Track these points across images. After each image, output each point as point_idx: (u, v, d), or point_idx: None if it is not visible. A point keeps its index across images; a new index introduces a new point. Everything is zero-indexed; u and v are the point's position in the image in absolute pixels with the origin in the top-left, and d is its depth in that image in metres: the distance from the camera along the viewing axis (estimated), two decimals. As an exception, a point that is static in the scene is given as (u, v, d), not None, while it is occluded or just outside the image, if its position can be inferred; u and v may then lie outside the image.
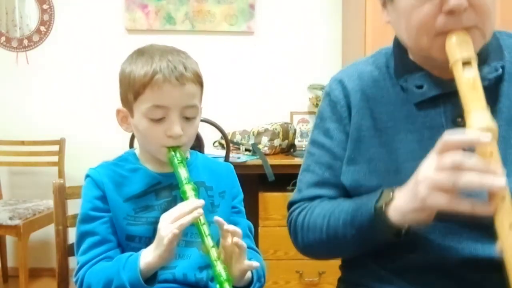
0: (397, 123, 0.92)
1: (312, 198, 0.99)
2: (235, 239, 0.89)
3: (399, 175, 0.87)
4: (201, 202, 0.88)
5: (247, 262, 0.91)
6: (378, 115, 0.94)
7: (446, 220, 0.84)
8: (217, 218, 0.91)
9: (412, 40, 0.87)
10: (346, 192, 0.96)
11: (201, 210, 0.87)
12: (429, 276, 0.87)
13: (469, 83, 0.78)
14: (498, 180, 0.70)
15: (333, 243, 0.93)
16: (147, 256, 0.89)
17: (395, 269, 0.91)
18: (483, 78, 0.81)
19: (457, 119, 0.87)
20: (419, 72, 0.91)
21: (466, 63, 0.79)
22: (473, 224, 0.84)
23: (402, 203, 0.80)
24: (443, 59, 0.82)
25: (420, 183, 0.75)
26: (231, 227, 0.90)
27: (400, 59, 0.95)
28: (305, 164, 1.03)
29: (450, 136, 0.73)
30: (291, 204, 1.03)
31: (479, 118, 0.74)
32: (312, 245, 0.97)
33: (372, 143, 0.93)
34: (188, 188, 0.91)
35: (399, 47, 0.96)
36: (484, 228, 0.78)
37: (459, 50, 0.80)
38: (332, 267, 1.16)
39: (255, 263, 0.92)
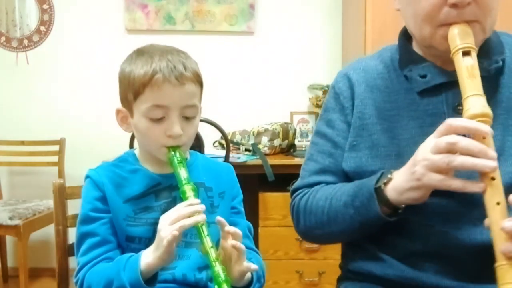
0: (400, 110, 0.97)
1: (313, 184, 1.03)
2: (234, 242, 0.89)
3: (401, 158, 0.91)
4: (202, 207, 0.88)
5: (246, 264, 0.91)
6: (381, 105, 0.99)
7: (443, 208, 0.89)
8: (219, 218, 0.92)
9: (417, 27, 0.92)
10: (347, 179, 1.00)
11: (204, 216, 0.87)
12: (430, 261, 0.91)
13: (468, 71, 0.83)
14: (489, 162, 0.75)
15: (333, 225, 0.97)
16: (147, 257, 0.89)
17: (396, 255, 0.94)
18: (484, 69, 0.87)
19: (458, 107, 0.91)
20: (423, 63, 0.96)
21: (466, 53, 0.84)
22: (471, 210, 0.88)
23: (400, 182, 0.85)
24: (444, 49, 0.88)
25: (417, 163, 0.81)
26: (232, 229, 0.90)
27: (405, 51, 1.01)
28: (309, 154, 1.08)
29: (453, 120, 0.79)
30: (294, 191, 1.08)
31: (475, 104, 0.80)
32: (313, 227, 1.01)
33: (374, 129, 0.98)
34: (188, 189, 0.91)
35: (404, 40, 1.02)
36: (482, 213, 0.80)
37: (460, 40, 0.85)
38: (332, 267, 1.16)
39: (254, 266, 0.92)
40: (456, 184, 0.78)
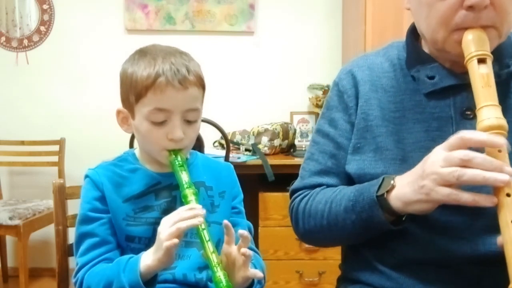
0: (406, 112, 0.94)
1: (314, 186, 1.00)
2: (243, 249, 0.88)
3: (405, 164, 0.89)
4: (203, 211, 0.88)
5: (252, 271, 0.90)
6: (386, 105, 0.95)
7: (447, 216, 0.86)
8: (226, 222, 0.91)
9: (430, 30, 0.89)
10: (349, 181, 0.98)
11: (201, 219, 0.86)
12: (428, 270, 0.88)
13: (483, 80, 0.79)
14: (501, 175, 0.71)
15: (333, 229, 0.94)
16: (147, 259, 0.88)
17: (394, 264, 0.92)
18: (494, 74, 0.83)
19: (466, 112, 0.89)
20: (432, 64, 0.93)
21: (481, 61, 0.81)
22: (475, 220, 0.85)
23: (406, 193, 0.81)
24: (456, 53, 0.85)
25: (426, 177, 0.77)
26: (245, 233, 0.89)
27: (413, 50, 0.97)
28: (309, 153, 1.04)
29: (466, 132, 0.75)
30: (293, 191, 1.05)
31: (490, 115, 0.76)
32: (312, 231, 0.99)
33: (379, 132, 0.95)
34: (189, 193, 0.91)
35: (412, 38, 0.98)
36: (486, 224, 0.79)
37: (475, 47, 0.81)
38: (332, 267, 1.16)
39: (259, 274, 0.91)
40: (466, 198, 0.74)
